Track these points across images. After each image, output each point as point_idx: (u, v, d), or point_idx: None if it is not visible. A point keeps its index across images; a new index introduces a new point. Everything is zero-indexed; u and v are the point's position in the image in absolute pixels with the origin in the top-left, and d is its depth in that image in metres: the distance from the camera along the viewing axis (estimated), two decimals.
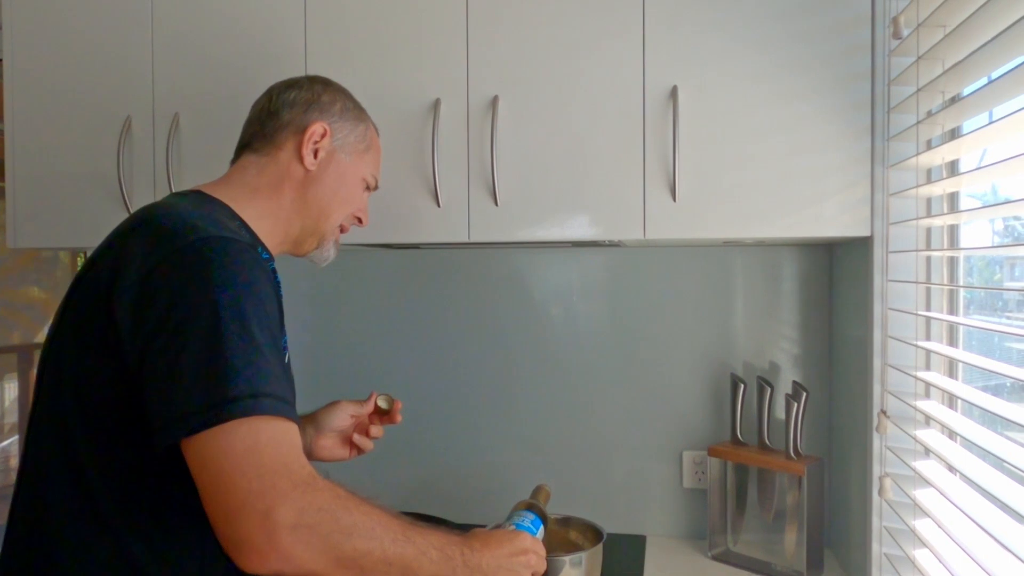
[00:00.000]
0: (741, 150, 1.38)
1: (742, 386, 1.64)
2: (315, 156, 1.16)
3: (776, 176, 1.38)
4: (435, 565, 0.93)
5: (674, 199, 1.39)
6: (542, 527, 1.21)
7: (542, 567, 1.10)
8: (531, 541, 1.10)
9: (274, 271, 1.06)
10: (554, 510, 1.62)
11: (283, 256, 1.95)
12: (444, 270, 1.89)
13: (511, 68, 1.46)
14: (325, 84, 1.22)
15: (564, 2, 1.44)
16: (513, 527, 1.16)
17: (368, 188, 1.27)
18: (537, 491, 1.33)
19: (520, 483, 1.84)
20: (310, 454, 1.31)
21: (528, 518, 1.20)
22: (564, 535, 1.55)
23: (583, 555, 1.40)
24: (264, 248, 1.12)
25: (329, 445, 1.33)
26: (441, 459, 1.90)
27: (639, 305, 1.80)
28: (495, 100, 1.45)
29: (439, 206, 1.48)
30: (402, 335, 1.91)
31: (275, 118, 1.17)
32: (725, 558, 1.64)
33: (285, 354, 1.04)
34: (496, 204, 1.46)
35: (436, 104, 1.47)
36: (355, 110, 1.24)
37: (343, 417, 1.34)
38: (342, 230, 1.25)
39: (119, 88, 1.63)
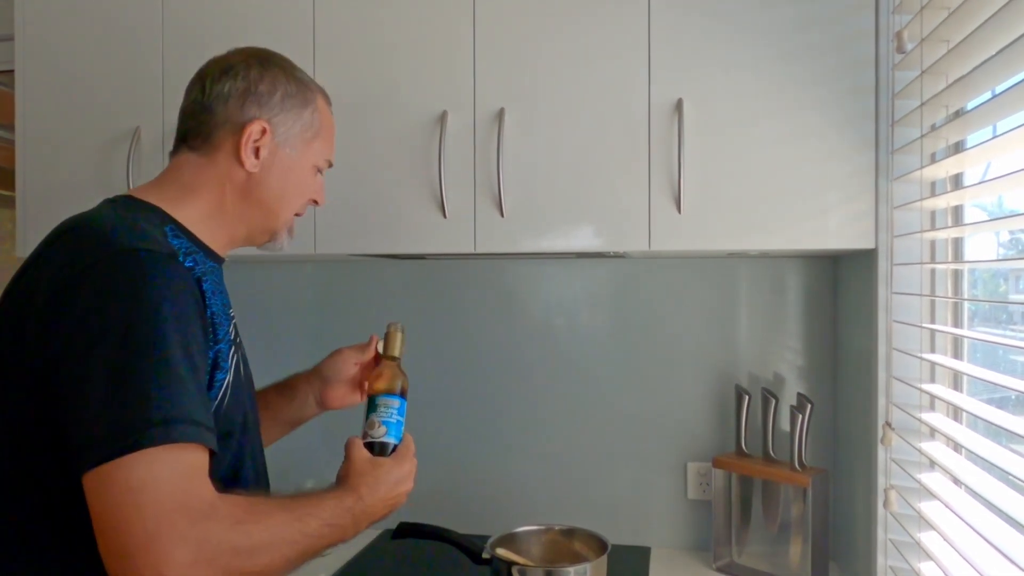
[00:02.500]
0: (746, 162, 1.39)
1: (747, 397, 1.65)
2: (256, 156, 1.06)
3: (781, 188, 1.38)
4: (331, 537, 0.95)
5: (679, 211, 1.40)
6: (406, 407, 1.18)
7: (413, 473, 1.13)
8: (407, 463, 1.11)
9: (199, 280, 0.98)
10: (559, 521, 1.62)
11: (281, 266, 1.96)
12: (450, 281, 1.90)
13: (517, 81, 1.47)
14: (262, 66, 1.09)
15: (570, 15, 1.45)
16: (382, 426, 1.14)
17: (319, 171, 1.17)
18: (390, 339, 1.23)
19: (524, 493, 1.85)
20: (323, 405, 1.31)
21: (393, 410, 1.15)
22: (569, 546, 1.55)
23: (588, 566, 1.40)
24: (204, 253, 1.05)
25: (339, 395, 1.31)
26: (444, 470, 1.90)
27: (644, 316, 1.81)
28: (501, 112, 1.46)
29: (445, 217, 1.49)
30: (407, 346, 1.91)
31: (209, 114, 1.06)
32: (729, 570, 1.63)
33: (233, 362, 1.01)
34: (502, 215, 1.47)
35: (443, 116, 1.48)
36: (299, 94, 1.11)
37: (348, 366, 1.31)
38: (297, 215, 1.18)
39: (129, 99, 1.64)
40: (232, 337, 1.05)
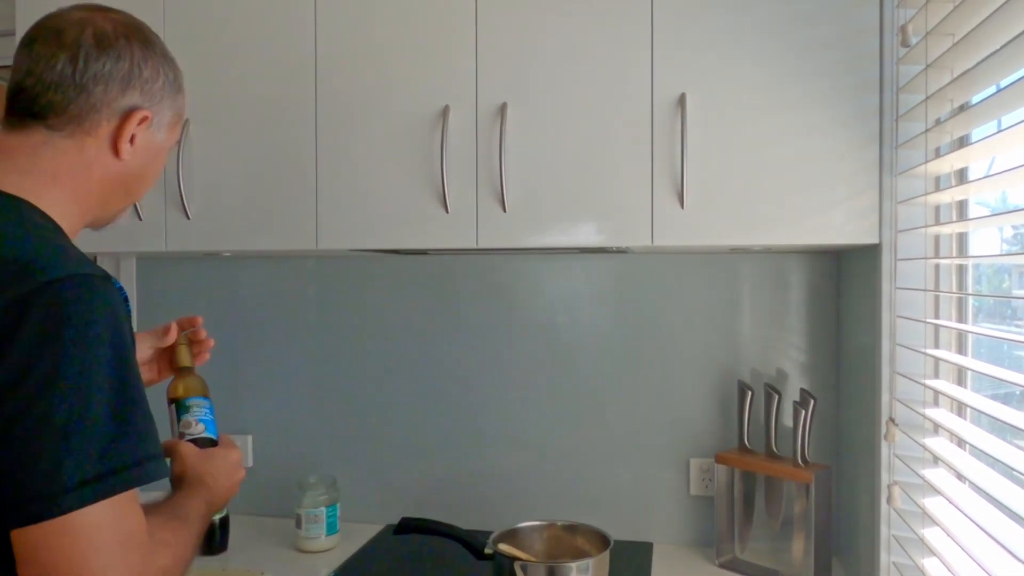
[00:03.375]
0: (749, 157, 1.39)
1: (749, 393, 1.64)
2: (131, 143, 0.98)
3: (784, 183, 1.38)
4: (203, 531, 0.99)
5: (682, 206, 1.40)
6: (213, 407, 1.20)
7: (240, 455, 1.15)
8: (236, 450, 1.13)
9: (121, 290, 0.91)
10: (561, 517, 1.62)
11: (283, 261, 1.96)
12: (452, 276, 1.90)
13: (519, 75, 1.47)
14: (145, 47, 0.99)
15: (572, 10, 1.45)
16: (202, 425, 1.15)
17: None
18: (178, 353, 1.20)
19: (527, 489, 1.85)
20: None
21: (204, 408, 1.17)
22: (571, 542, 1.55)
23: (590, 562, 1.40)
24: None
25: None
26: (447, 465, 1.90)
27: (646, 311, 1.80)
28: (504, 107, 1.46)
29: (447, 212, 1.48)
30: (409, 340, 1.92)
31: (85, 94, 0.94)
32: (732, 566, 1.63)
33: None
34: (504, 210, 1.46)
35: (445, 111, 1.48)
36: (176, 79, 1.05)
37: (143, 348, 1.20)
38: None
39: None
40: None
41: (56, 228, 0.93)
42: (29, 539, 0.75)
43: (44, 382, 0.76)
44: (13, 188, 0.91)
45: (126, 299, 0.89)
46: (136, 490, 0.82)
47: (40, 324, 0.77)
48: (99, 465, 0.77)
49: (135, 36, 0.99)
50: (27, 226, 0.88)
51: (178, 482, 1.04)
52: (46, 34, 0.95)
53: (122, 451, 0.79)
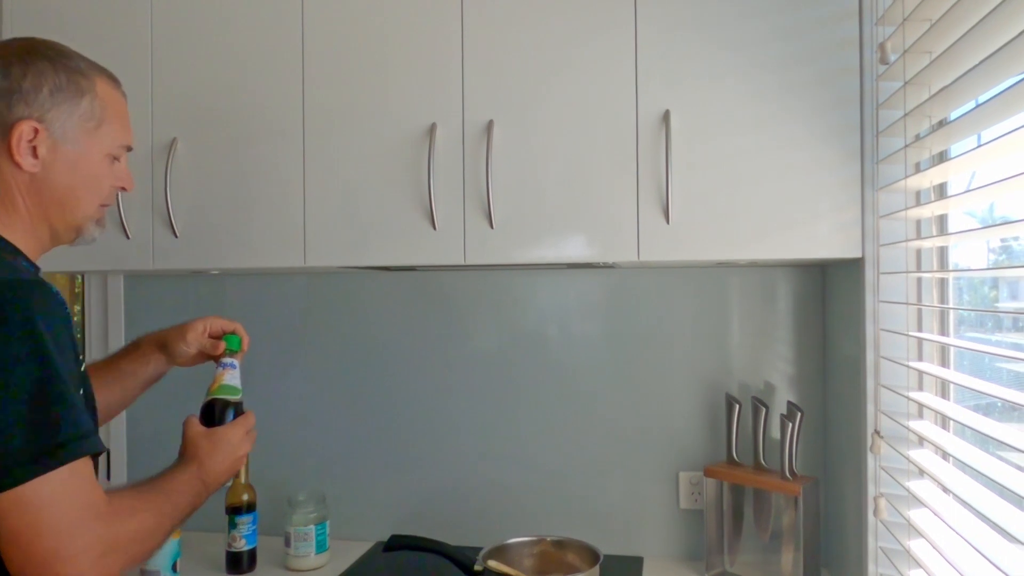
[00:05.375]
0: (733, 172, 1.40)
1: (737, 406, 1.65)
2: (35, 155, 1.03)
3: (768, 198, 1.39)
4: (192, 505, 1.08)
5: (667, 221, 1.41)
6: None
7: (253, 438, 1.22)
8: (242, 427, 1.19)
9: (57, 294, 0.99)
10: (551, 532, 1.62)
11: (272, 278, 1.96)
12: (440, 292, 1.90)
13: (506, 93, 1.48)
14: (24, 62, 1.03)
15: (558, 28, 1.46)
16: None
17: (116, 158, 1.13)
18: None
19: (516, 504, 1.85)
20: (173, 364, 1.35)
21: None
22: (561, 557, 1.55)
23: None
24: (29, 264, 1.06)
25: (181, 364, 1.35)
26: (436, 480, 1.89)
27: (634, 326, 1.81)
28: (490, 124, 1.47)
29: (435, 228, 1.49)
30: (398, 356, 1.92)
31: None
32: None
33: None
34: (491, 226, 1.47)
35: (432, 128, 1.49)
36: (70, 84, 1.06)
37: (193, 351, 1.33)
38: (105, 206, 1.15)
39: None
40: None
41: (7, 246, 1.03)
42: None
43: None
44: None
45: (63, 303, 0.97)
46: (86, 465, 0.92)
47: None
48: (33, 445, 0.87)
49: (15, 54, 1.04)
50: None
51: (179, 456, 1.14)
52: None
53: (52, 433, 0.89)
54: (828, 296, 1.70)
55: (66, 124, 1.05)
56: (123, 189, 1.17)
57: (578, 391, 1.83)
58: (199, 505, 1.10)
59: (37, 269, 1.09)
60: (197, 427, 1.17)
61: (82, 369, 1.01)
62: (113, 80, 1.14)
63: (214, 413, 1.19)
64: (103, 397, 1.28)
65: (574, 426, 1.83)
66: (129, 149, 1.16)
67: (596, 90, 1.45)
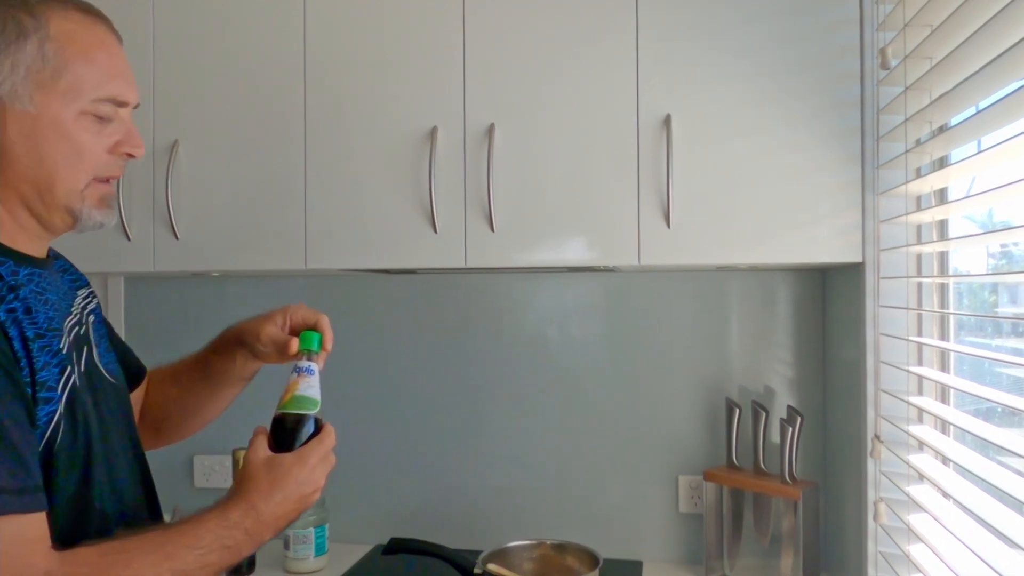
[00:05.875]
0: (734, 176, 1.40)
1: (737, 410, 1.65)
2: None
3: (768, 202, 1.40)
4: (221, 563, 0.84)
5: (668, 225, 1.41)
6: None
7: (330, 463, 0.95)
8: (314, 456, 0.92)
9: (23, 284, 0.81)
10: (550, 535, 1.62)
11: (271, 281, 1.96)
12: (440, 295, 1.90)
13: (507, 97, 1.48)
14: None
15: (559, 32, 1.47)
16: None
17: (101, 117, 0.88)
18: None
19: (516, 508, 1.85)
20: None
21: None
22: (560, 561, 1.55)
23: None
24: (12, 259, 0.88)
25: (269, 361, 1.13)
26: (436, 484, 1.89)
27: (634, 330, 1.81)
28: (491, 128, 1.47)
29: (436, 232, 1.49)
30: (398, 360, 1.92)
31: None
32: None
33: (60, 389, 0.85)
34: (492, 230, 1.47)
35: (433, 132, 1.49)
36: (9, 27, 0.83)
37: (271, 350, 1.09)
38: (108, 180, 0.92)
39: None
40: (66, 351, 0.90)
41: None
42: None
43: None
44: None
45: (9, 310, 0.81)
46: (20, 528, 0.75)
47: None
48: None
49: None
50: None
51: (232, 486, 0.90)
52: None
53: None
54: (828, 300, 1.70)
55: (11, 79, 0.82)
56: (130, 156, 0.92)
57: (578, 394, 1.83)
58: (235, 561, 0.86)
59: (44, 262, 0.94)
60: (262, 450, 0.92)
61: (62, 383, 0.86)
62: (83, 12, 0.89)
63: (284, 433, 0.95)
64: (189, 400, 1.15)
65: (574, 429, 1.83)
66: (124, 104, 0.91)
67: (597, 93, 1.45)
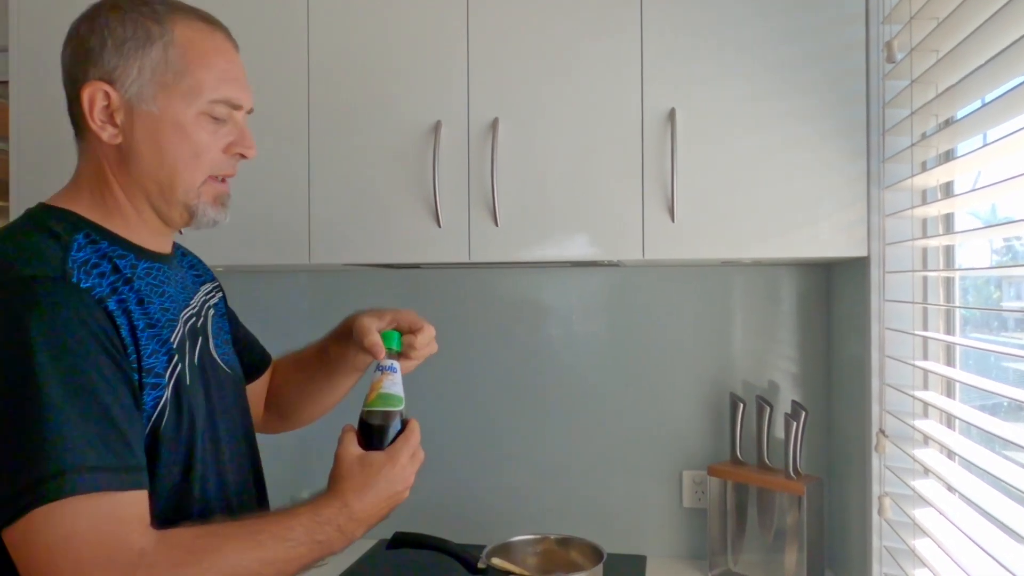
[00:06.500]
0: (739, 171, 1.40)
1: (741, 405, 1.65)
2: (114, 124, 0.90)
3: (773, 197, 1.39)
4: (311, 556, 0.86)
5: (672, 219, 1.41)
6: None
7: (419, 459, 0.99)
8: (403, 455, 0.95)
9: (102, 300, 0.85)
10: (554, 530, 1.62)
11: (276, 276, 1.96)
12: (444, 290, 1.90)
13: (511, 91, 1.48)
14: (92, 16, 0.91)
15: (563, 26, 1.46)
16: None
17: (217, 118, 0.94)
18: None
19: (520, 502, 1.85)
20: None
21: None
22: (565, 555, 1.54)
23: (584, 575, 1.40)
24: (134, 252, 0.94)
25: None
26: (440, 479, 1.89)
27: (638, 324, 1.81)
28: (495, 122, 1.47)
29: (440, 226, 1.49)
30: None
31: (66, 93, 0.93)
32: None
33: (154, 382, 0.88)
34: (496, 224, 1.47)
35: (437, 126, 1.49)
36: (135, 35, 0.89)
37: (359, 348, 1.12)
38: (222, 180, 0.98)
39: None
40: (177, 343, 0.94)
41: (76, 230, 0.90)
42: (8, 545, 0.76)
43: None
44: (65, 202, 0.94)
45: (101, 300, 0.85)
46: (116, 505, 0.77)
47: None
48: (9, 481, 0.74)
49: (86, 15, 0.92)
50: (11, 235, 0.89)
51: (327, 487, 0.92)
52: None
53: (29, 467, 0.74)
54: (833, 295, 1.70)
55: (138, 81, 0.89)
56: (242, 156, 0.98)
57: (582, 389, 1.83)
58: (326, 556, 0.88)
59: (166, 257, 0.99)
60: (353, 447, 0.94)
61: (169, 372, 0.90)
62: (204, 21, 0.95)
63: (371, 431, 0.97)
64: (308, 386, 1.20)
65: (578, 424, 1.83)
66: (238, 108, 0.96)
67: (601, 88, 1.45)
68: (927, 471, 1.23)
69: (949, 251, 1.29)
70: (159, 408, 0.88)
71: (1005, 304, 1.29)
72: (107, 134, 0.91)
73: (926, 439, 1.25)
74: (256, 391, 1.26)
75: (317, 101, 1.56)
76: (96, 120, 0.90)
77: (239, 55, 0.99)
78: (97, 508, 0.76)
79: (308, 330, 1.94)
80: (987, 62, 0.95)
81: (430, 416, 1.90)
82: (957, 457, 1.17)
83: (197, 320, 1.03)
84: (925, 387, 1.29)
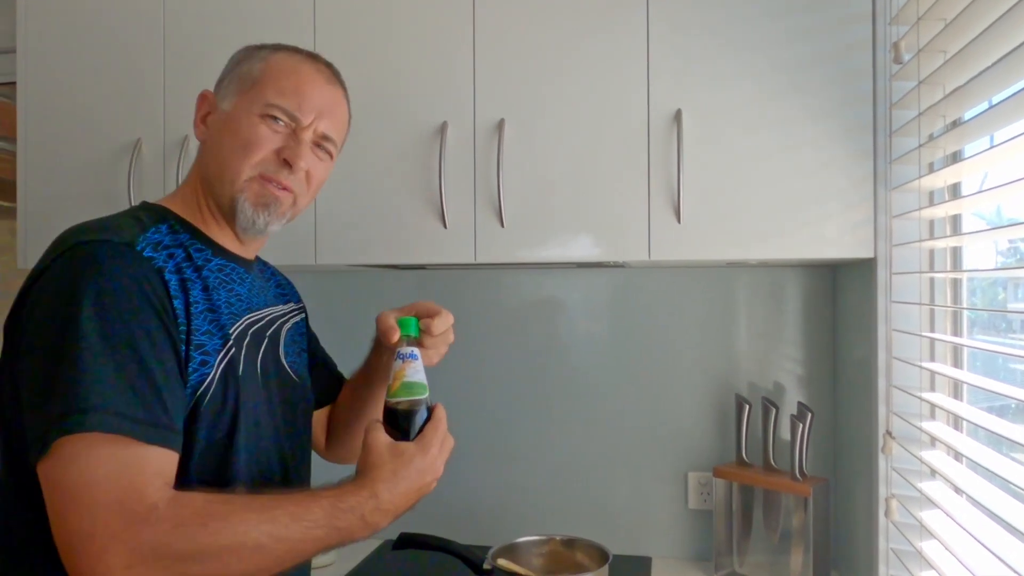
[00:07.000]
0: (745, 172, 1.40)
1: (747, 407, 1.65)
2: (205, 124, 1.05)
3: (780, 198, 1.39)
4: (327, 540, 0.85)
5: (678, 220, 1.41)
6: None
7: (448, 446, 0.99)
8: (434, 446, 0.95)
9: (161, 270, 0.90)
10: (560, 531, 1.62)
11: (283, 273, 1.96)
12: (450, 291, 1.90)
13: (517, 92, 1.48)
14: (232, 57, 1.09)
15: (569, 27, 1.46)
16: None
17: (273, 117, 1.00)
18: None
19: (525, 503, 1.85)
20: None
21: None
22: (570, 556, 1.54)
23: None
24: (212, 249, 1.01)
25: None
26: (445, 480, 1.86)
27: (644, 325, 1.81)
28: (501, 123, 1.47)
29: (446, 227, 1.49)
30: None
31: None
32: None
33: (198, 360, 0.92)
34: (502, 225, 1.47)
35: (443, 127, 1.49)
36: (247, 59, 1.05)
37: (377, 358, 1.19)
38: (273, 183, 1.00)
39: (130, 111, 1.65)
40: (235, 335, 0.99)
41: (162, 220, 0.98)
42: (40, 479, 0.81)
43: (34, 338, 0.85)
44: (164, 201, 1.05)
45: (160, 270, 0.91)
46: (140, 458, 0.80)
47: (45, 284, 0.87)
48: (61, 410, 0.79)
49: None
50: (114, 216, 0.96)
51: (356, 474, 0.92)
52: None
53: (68, 399, 0.79)
54: (839, 296, 1.69)
55: (228, 87, 1.04)
56: (286, 163, 1.00)
57: (587, 390, 1.83)
58: (344, 542, 0.87)
59: (248, 262, 1.08)
60: (383, 436, 0.93)
61: (221, 355, 0.94)
62: (302, 55, 1.06)
63: (398, 420, 0.96)
64: (355, 403, 1.24)
65: (583, 425, 1.83)
66: (294, 118, 1.01)
67: (607, 89, 1.45)
68: (934, 473, 1.23)
69: (956, 252, 1.29)
70: (204, 386, 0.92)
71: (1011, 306, 1.29)
72: (198, 132, 1.04)
73: (933, 441, 1.24)
74: (319, 416, 1.31)
75: None
76: (197, 122, 1.04)
77: (331, 88, 1.07)
78: (120, 455, 0.79)
79: (315, 330, 1.95)
80: (995, 63, 0.94)
81: None
82: (964, 459, 1.17)
83: (266, 328, 1.08)
84: (932, 389, 1.29)
